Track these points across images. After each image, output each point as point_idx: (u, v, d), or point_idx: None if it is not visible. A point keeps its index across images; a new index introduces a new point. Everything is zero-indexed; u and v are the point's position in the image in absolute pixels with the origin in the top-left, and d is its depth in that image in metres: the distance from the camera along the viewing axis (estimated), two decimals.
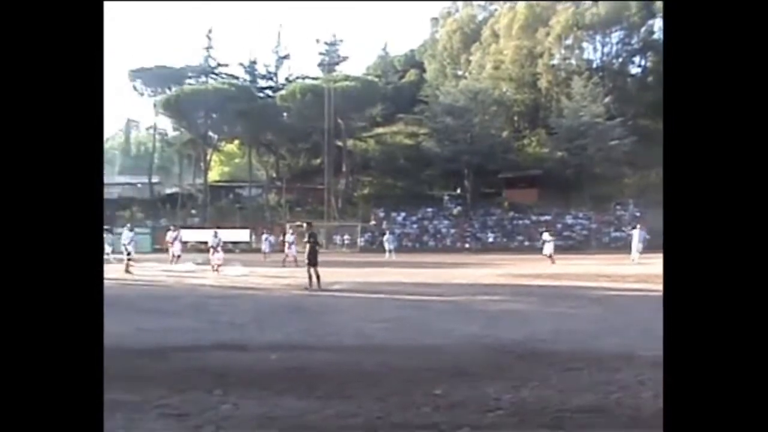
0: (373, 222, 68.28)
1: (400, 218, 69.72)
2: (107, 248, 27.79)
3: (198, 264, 33.10)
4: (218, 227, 40.15)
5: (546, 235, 39.61)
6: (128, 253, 30.25)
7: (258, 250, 51.26)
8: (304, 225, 26.18)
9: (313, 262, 21.96)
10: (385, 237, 52.15)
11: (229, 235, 34.90)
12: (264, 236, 51.45)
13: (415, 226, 69.35)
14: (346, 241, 65.53)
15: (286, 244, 37.87)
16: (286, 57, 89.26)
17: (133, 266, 30.31)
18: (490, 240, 66.70)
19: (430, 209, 71.46)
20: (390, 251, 49.41)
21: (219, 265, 29.98)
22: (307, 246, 22.58)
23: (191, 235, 54.55)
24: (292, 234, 38.49)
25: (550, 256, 37.78)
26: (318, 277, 21.60)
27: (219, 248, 30.57)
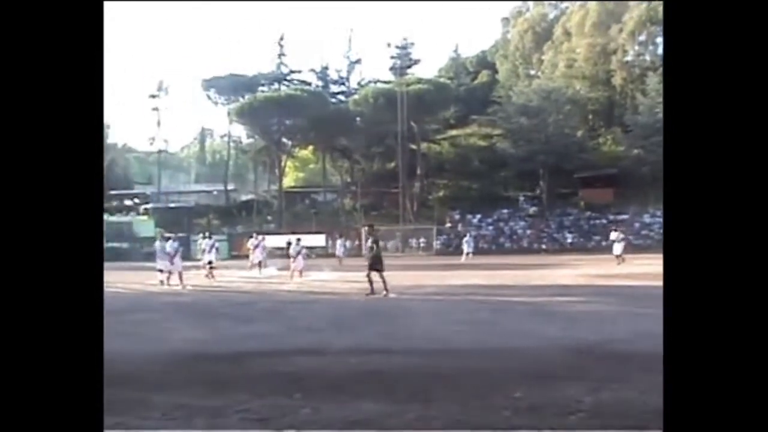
0: (448, 224, 68.12)
1: (475, 220, 69.44)
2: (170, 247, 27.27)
3: (279, 270, 33.27)
4: (294, 232, 40.34)
5: (615, 235, 39.05)
6: (209, 262, 30.50)
7: (333, 255, 51.59)
8: (366, 228, 24.23)
9: (375, 267, 21.02)
10: (465, 239, 51.69)
11: (304, 240, 34.93)
12: (339, 241, 51.73)
13: (490, 227, 69.01)
14: (421, 244, 65.42)
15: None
16: (357, 62, 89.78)
17: (213, 273, 30.64)
18: (568, 240, 65.97)
19: (505, 210, 71.03)
20: (468, 253, 49.05)
21: (300, 271, 29.97)
22: (370, 250, 21.54)
23: (268, 241, 55.27)
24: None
25: (619, 256, 37.20)
26: (383, 281, 20.75)
27: (300, 255, 30.43)
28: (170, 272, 26.14)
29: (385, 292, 20.39)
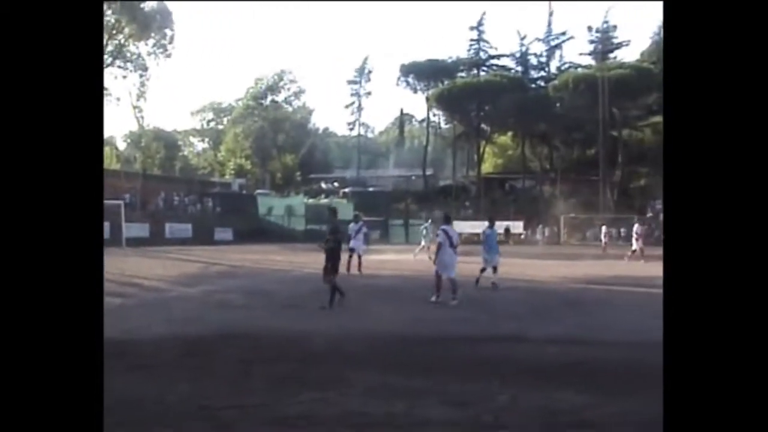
0: (649, 214, 66.15)
1: None
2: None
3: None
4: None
5: None
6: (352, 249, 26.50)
7: (532, 242, 51.38)
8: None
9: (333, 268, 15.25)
10: None
11: (502, 226, 34.36)
12: (538, 228, 51.50)
13: None
14: (621, 234, 63.61)
15: (634, 236, 36.22)
16: (557, 46, 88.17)
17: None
18: None
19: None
20: None
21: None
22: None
23: (465, 227, 55.57)
24: (640, 225, 37.10)
25: None
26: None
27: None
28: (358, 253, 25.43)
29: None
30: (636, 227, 36.17)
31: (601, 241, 47.90)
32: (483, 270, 19.97)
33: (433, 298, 15.69)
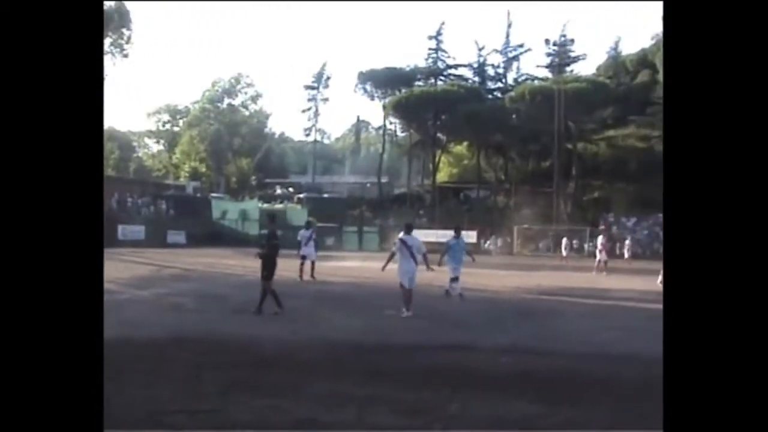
0: (602, 227, 66.67)
1: (630, 223, 67.80)
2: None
3: None
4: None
5: None
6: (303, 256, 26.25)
7: (485, 252, 51.53)
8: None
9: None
10: (626, 242, 50.31)
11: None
12: (492, 238, 51.61)
13: (645, 232, 67.18)
14: (574, 246, 63.98)
15: (598, 248, 35.98)
16: (515, 58, 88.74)
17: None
18: None
19: (662, 215, 68.52)
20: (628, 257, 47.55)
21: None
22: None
23: (419, 236, 55.50)
24: (603, 237, 37.12)
25: None
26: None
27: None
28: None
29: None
30: (600, 239, 36.41)
31: (561, 252, 48.46)
32: (455, 279, 19.84)
33: (404, 313, 15.17)
